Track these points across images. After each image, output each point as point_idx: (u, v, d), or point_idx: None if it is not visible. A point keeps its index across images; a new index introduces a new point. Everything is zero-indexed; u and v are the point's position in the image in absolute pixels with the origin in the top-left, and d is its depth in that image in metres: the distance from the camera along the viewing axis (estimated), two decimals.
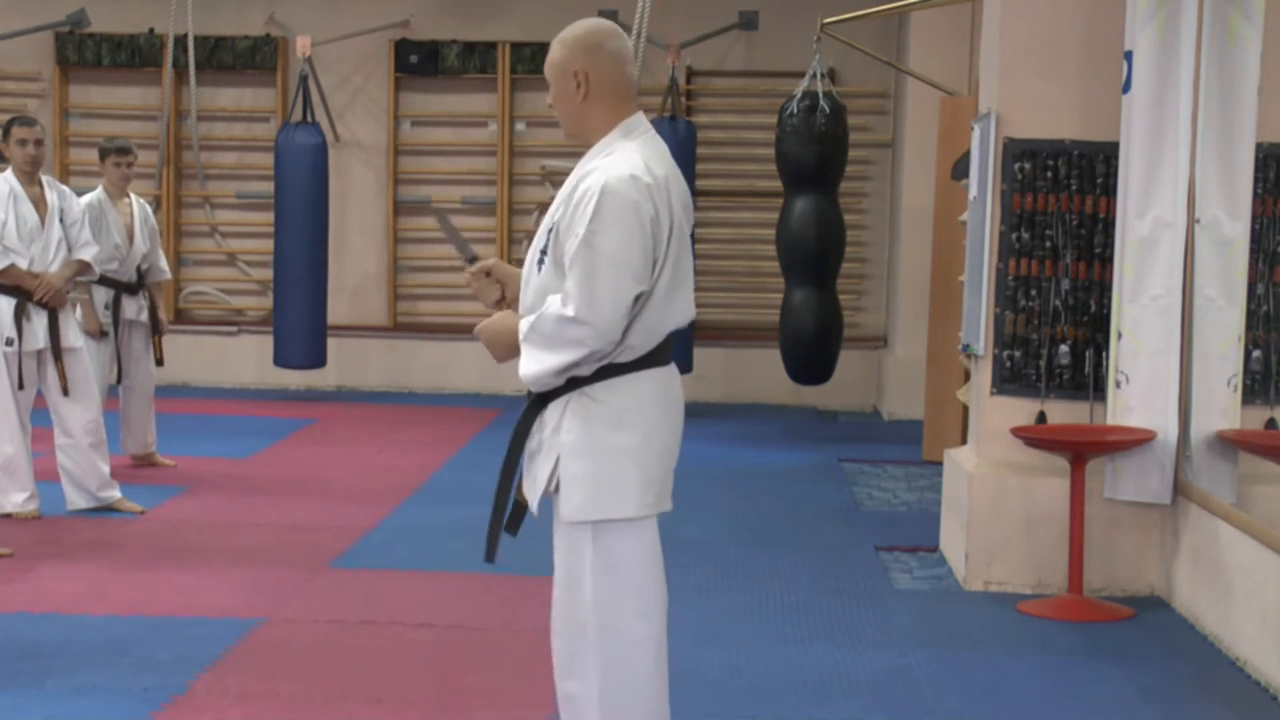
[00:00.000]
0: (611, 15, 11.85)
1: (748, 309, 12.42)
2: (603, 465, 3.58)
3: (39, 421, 7.50)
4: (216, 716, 4.66)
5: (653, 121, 3.78)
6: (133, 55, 12.58)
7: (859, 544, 7.28)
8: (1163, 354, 6.11)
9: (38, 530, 7.12)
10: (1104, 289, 6.40)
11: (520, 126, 12.60)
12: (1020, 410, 6.51)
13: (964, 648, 5.62)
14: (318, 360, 11.86)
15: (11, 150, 7.34)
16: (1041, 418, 6.48)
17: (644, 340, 3.58)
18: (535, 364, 3.55)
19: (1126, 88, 6.17)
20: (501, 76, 12.46)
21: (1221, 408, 6.11)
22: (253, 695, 4.85)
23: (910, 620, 5.98)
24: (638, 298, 3.51)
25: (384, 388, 12.60)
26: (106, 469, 7.53)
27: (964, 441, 7.79)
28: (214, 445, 9.64)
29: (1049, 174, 6.46)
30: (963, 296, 7.10)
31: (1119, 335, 6.21)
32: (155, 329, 8.70)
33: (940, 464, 7.51)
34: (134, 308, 8.60)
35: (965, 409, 8.02)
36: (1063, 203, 6.46)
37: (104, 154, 8.60)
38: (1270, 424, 6.22)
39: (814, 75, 9.90)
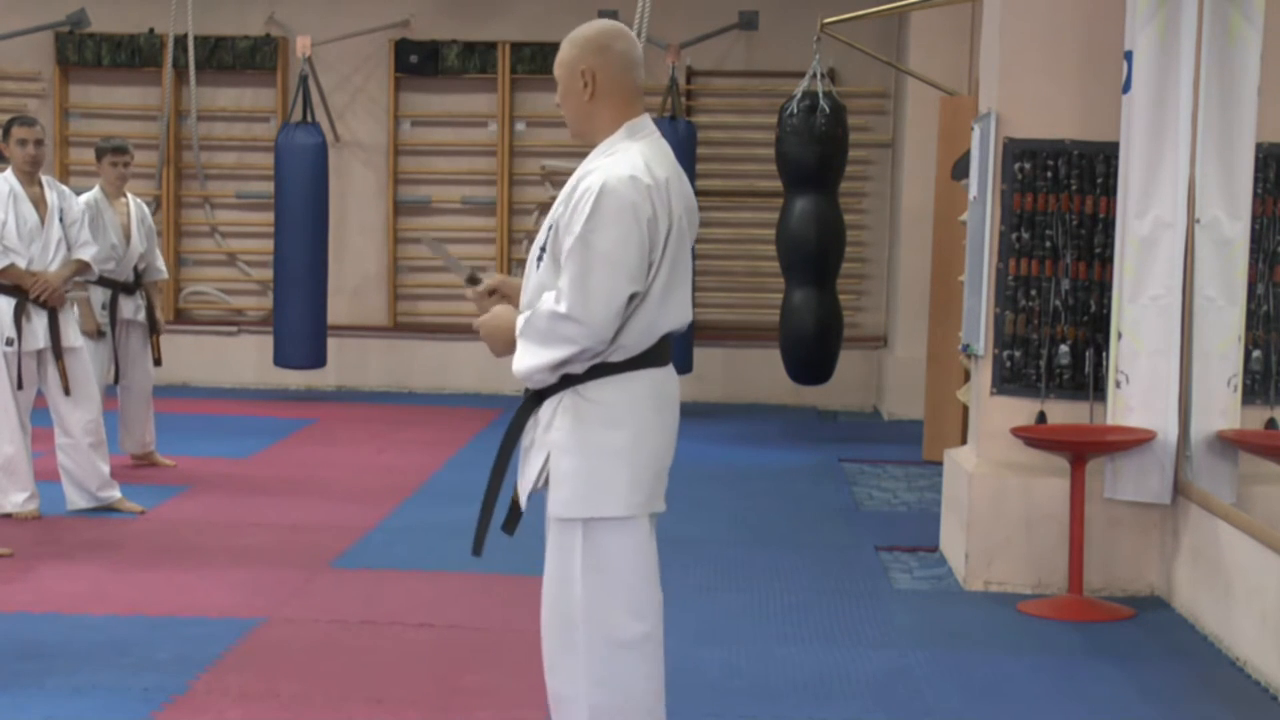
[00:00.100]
0: (611, 15, 11.81)
1: (748, 309, 12.42)
2: (592, 463, 3.59)
3: (39, 421, 7.50)
4: (216, 716, 4.66)
5: (654, 121, 3.79)
6: (133, 55, 12.58)
7: (859, 544, 7.28)
8: (1163, 354, 6.11)
9: (38, 530, 7.12)
10: (1104, 289, 6.40)
11: (520, 126, 12.60)
12: (1020, 410, 6.51)
13: (964, 648, 5.62)
14: (318, 360, 11.86)
15: (11, 150, 7.34)
16: (1041, 418, 6.48)
17: (638, 341, 3.59)
18: (528, 359, 3.57)
19: (1126, 88, 6.17)
20: (501, 76, 12.46)
21: (1221, 408, 6.11)
22: (253, 695, 4.85)
23: (910, 620, 5.98)
24: (632, 298, 3.53)
25: (384, 388, 12.60)
26: (106, 469, 7.53)
27: (964, 441, 7.79)
28: (214, 445, 9.64)
29: (1049, 174, 6.47)
30: (963, 296, 7.10)
31: (1119, 335, 6.21)
32: (153, 328, 8.70)
33: (940, 464, 7.51)
34: (131, 307, 8.60)
35: (965, 409, 8.02)
36: (1063, 203, 6.46)
37: (100, 154, 8.60)
38: (1270, 424, 6.22)
39: (814, 75, 9.90)
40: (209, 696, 4.82)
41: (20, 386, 7.24)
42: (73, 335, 7.43)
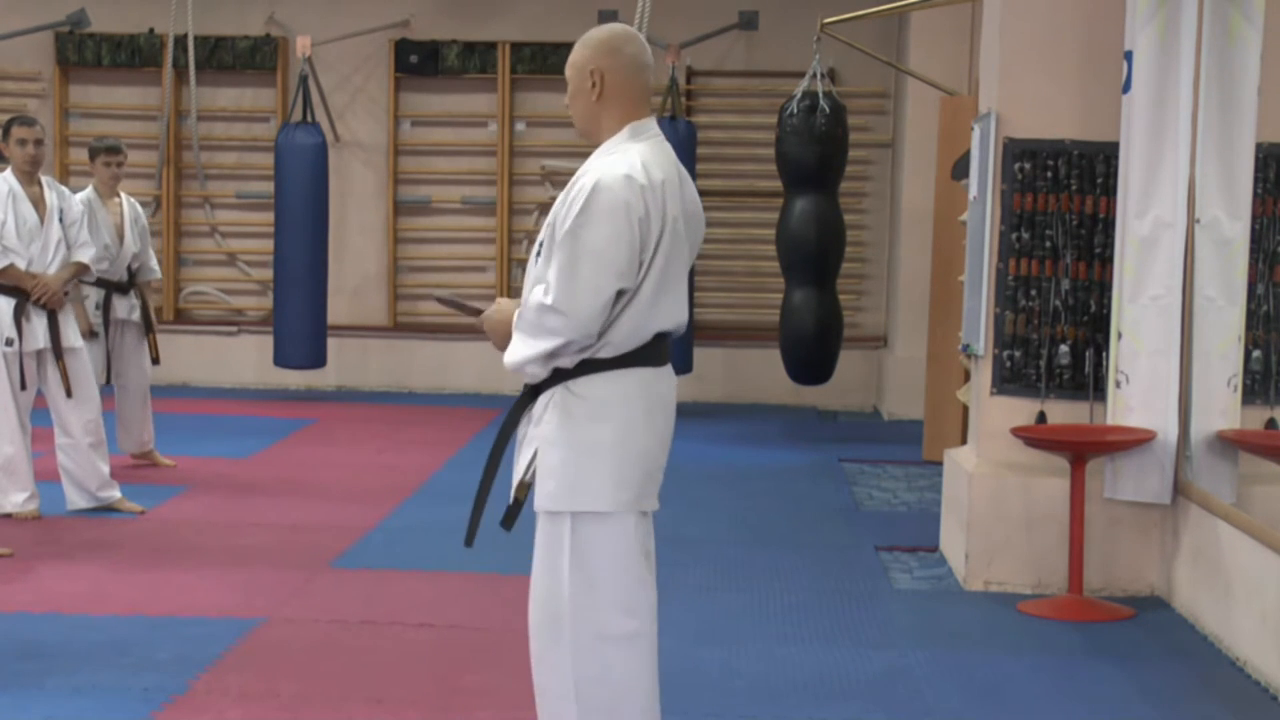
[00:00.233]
0: (611, 15, 11.86)
1: (748, 309, 12.42)
2: (576, 457, 3.64)
3: (39, 421, 7.50)
4: (216, 716, 4.66)
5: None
6: (133, 55, 12.58)
7: (859, 544, 7.28)
8: (1163, 354, 6.11)
9: (38, 530, 7.12)
10: (1104, 289, 6.40)
11: (520, 126, 12.60)
12: (1020, 410, 6.51)
13: (964, 648, 5.62)
14: (318, 360, 11.86)
15: (11, 150, 7.34)
16: (1041, 418, 6.48)
17: (626, 338, 3.63)
18: (517, 350, 3.64)
19: (1126, 88, 6.17)
20: (501, 76, 12.46)
21: (1221, 408, 6.11)
22: (253, 695, 4.85)
23: (910, 620, 5.98)
24: (621, 296, 3.58)
25: (384, 388, 12.60)
26: (106, 469, 7.54)
27: (964, 441, 7.78)
28: (214, 445, 9.64)
29: (1049, 174, 6.46)
30: (963, 296, 7.10)
31: (1119, 335, 6.21)
32: (148, 328, 8.70)
33: (940, 464, 7.51)
34: (125, 307, 8.60)
35: (965, 409, 8.02)
36: (1063, 203, 6.46)
37: (94, 154, 8.60)
38: (1270, 424, 6.22)
39: (814, 75, 9.90)
40: (209, 696, 4.82)
41: (23, 387, 7.24)
42: (72, 335, 7.43)
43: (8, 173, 7.33)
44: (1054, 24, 6.45)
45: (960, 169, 8.16)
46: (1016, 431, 6.29)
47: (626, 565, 3.68)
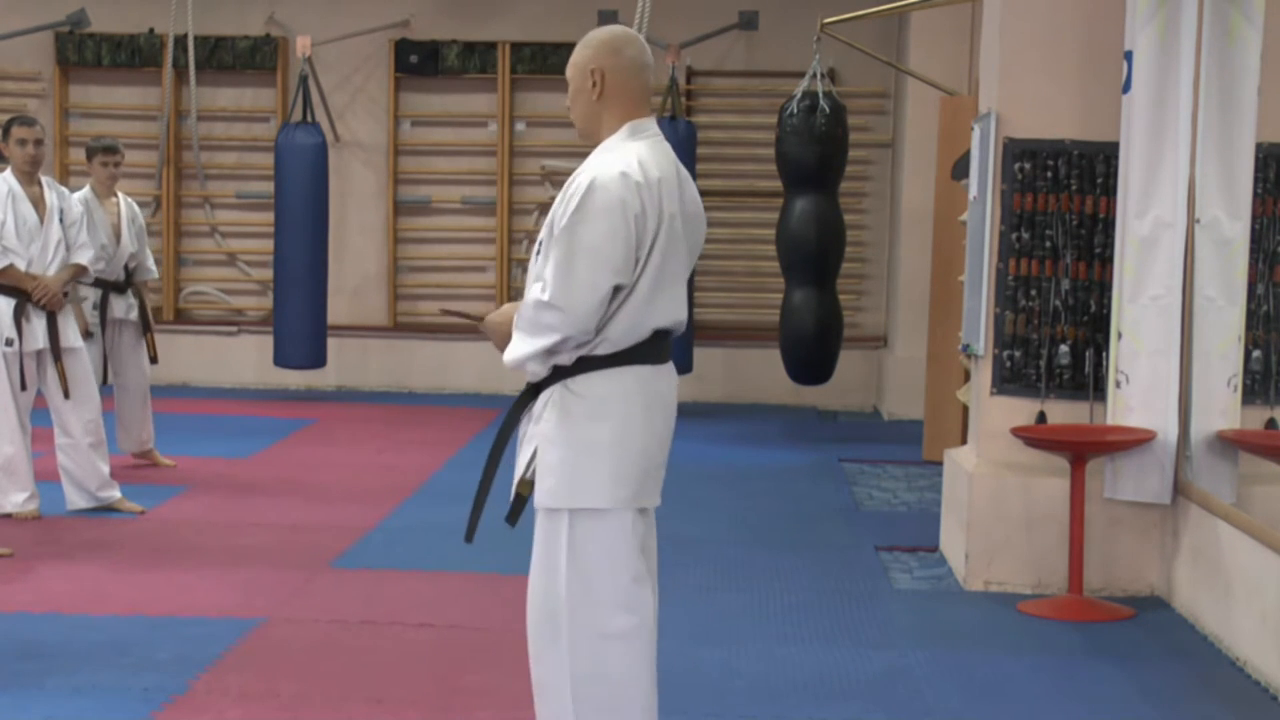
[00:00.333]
0: (611, 15, 11.86)
1: (748, 309, 12.42)
2: (575, 455, 3.67)
3: (39, 421, 7.50)
4: (216, 716, 4.66)
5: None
6: (133, 55, 12.58)
7: (859, 544, 7.28)
8: (1163, 354, 6.11)
9: (38, 530, 7.12)
10: (1104, 289, 6.40)
11: (520, 126, 12.60)
12: (1020, 410, 6.51)
13: (964, 648, 5.62)
14: (318, 360, 11.86)
15: (11, 150, 7.34)
16: (1041, 418, 6.48)
17: (623, 335, 3.66)
18: (516, 348, 3.67)
19: (1126, 88, 6.17)
20: (501, 76, 12.46)
21: (1221, 408, 6.11)
22: (253, 695, 4.85)
23: (910, 620, 5.98)
24: (618, 291, 3.60)
25: (384, 388, 12.60)
26: (106, 469, 7.54)
27: (964, 441, 7.78)
28: (214, 445, 9.64)
29: (1049, 174, 6.46)
30: (963, 296, 7.10)
31: (1119, 335, 6.21)
32: (146, 327, 8.70)
33: (940, 464, 7.51)
34: (122, 306, 8.60)
35: (965, 409, 8.02)
36: (1063, 203, 6.46)
37: (91, 153, 8.60)
38: (1270, 424, 6.22)
39: (814, 75, 9.90)
40: (209, 696, 4.82)
41: (24, 387, 7.24)
42: (72, 336, 7.43)
43: (7, 173, 7.33)
44: (1054, 24, 6.45)
45: (960, 169, 8.16)
46: (1016, 431, 6.29)
47: (623, 563, 3.70)
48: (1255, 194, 6.08)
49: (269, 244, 11.98)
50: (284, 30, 12.57)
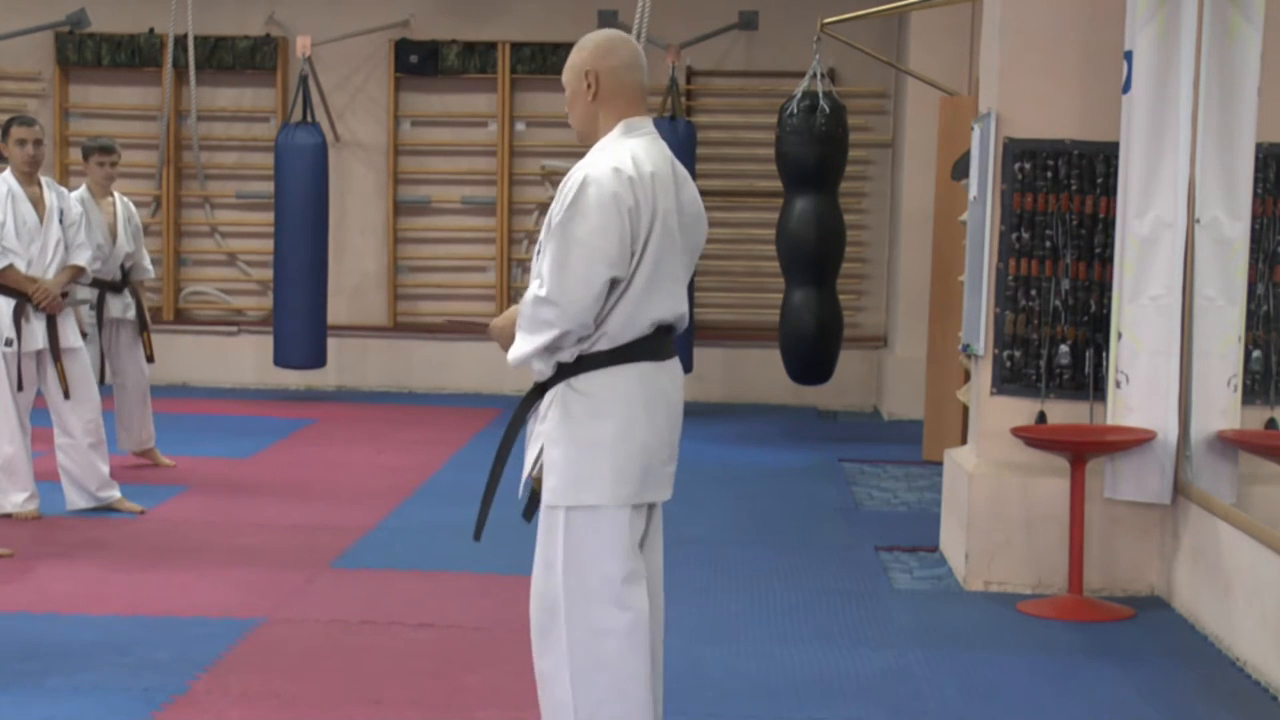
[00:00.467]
0: (611, 15, 11.87)
1: (748, 309, 12.42)
2: (577, 453, 3.74)
3: (39, 421, 7.50)
4: (216, 716, 4.66)
5: (653, 121, 3.90)
6: (133, 55, 12.58)
7: (859, 544, 7.28)
8: (1163, 354, 6.11)
9: (38, 530, 7.12)
10: (1104, 289, 6.40)
11: (520, 126, 12.60)
12: (1020, 410, 6.51)
13: (964, 648, 5.62)
14: (318, 360, 11.86)
15: (11, 150, 7.34)
16: (1041, 418, 6.48)
17: (622, 329, 3.71)
18: (518, 346, 3.74)
19: (1126, 88, 6.17)
20: (501, 76, 12.46)
21: (1221, 408, 6.11)
22: (253, 695, 4.85)
23: (910, 620, 5.98)
24: (615, 285, 3.66)
25: (384, 388, 12.60)
26: (106, 469, 7.53)
27: (964, 441, 7.78)
28: (214, 445, 9.64)
29: (1049, 174, 6.46)
30: (963, 296, 7.10)
31: (1119, 335, 6.21)
32: (143, 326, 8.70)
33: (940, 464, 7.51)
34: (119, 306, 8.60)
35: (965, 409, 8.02)
36: (1063, 203, 6.46)
37: (87, 153, 8.59)
38: (1270, 424, 6.22)
39: (814, 75, 9.90)
40: (209, 696, 4.82)
41: (20, 388, 7.24)
42: (71, 336, 7.43)
43: (7, 173, 7.33)
44: (1054, 24, 6.45)
45: (960, 169, 8.16)
46: (1016, 431, 6.29)
47: (618, 560, 3.75)
48: (1255, 194, 6.08)
49: (269, 244, 11.98)
50: (284, 30, 12.57)
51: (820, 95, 9.87)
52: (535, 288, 3.67)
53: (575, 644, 3.75)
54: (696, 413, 11.17)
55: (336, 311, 12.26)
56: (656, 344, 3.77)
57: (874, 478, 9.10)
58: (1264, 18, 5.93)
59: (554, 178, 12.31)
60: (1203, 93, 5.97)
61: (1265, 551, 5.25)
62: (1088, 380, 6.47)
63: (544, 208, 11.86)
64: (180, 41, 12.21)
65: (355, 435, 10.35)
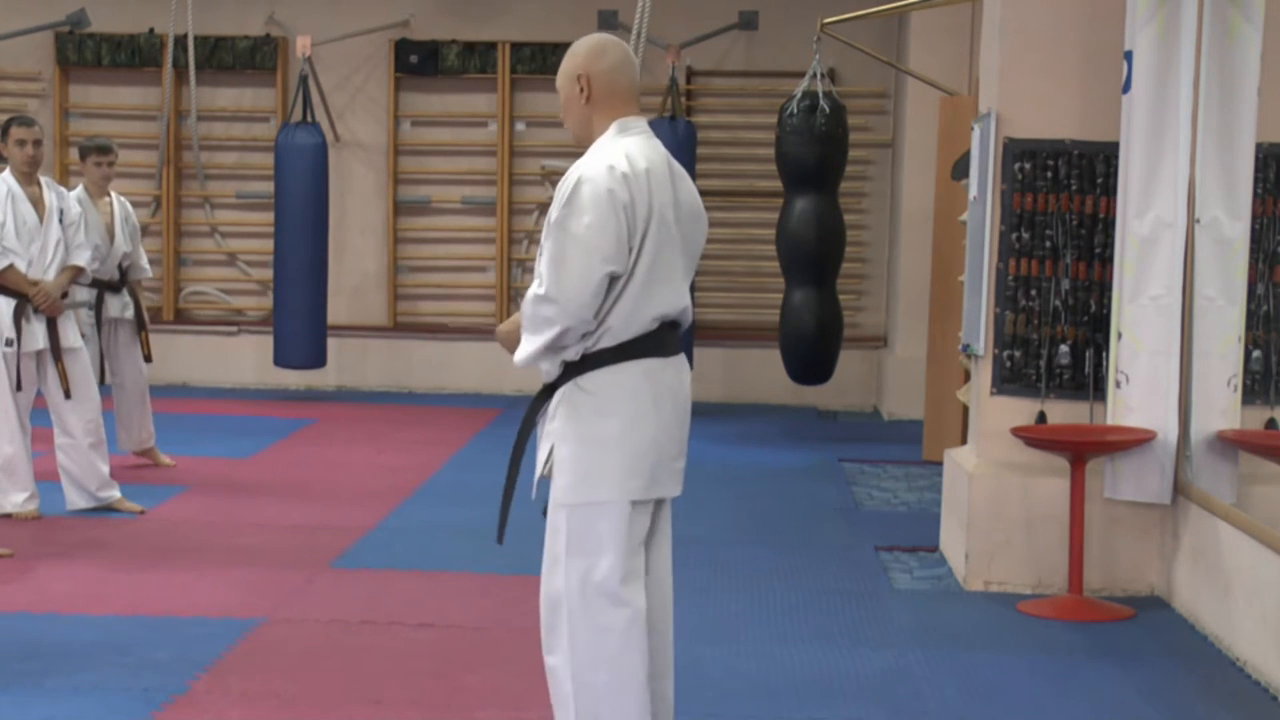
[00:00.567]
0: (611, 15, 11.87)
1: (748, 309, 12.42)
2: (585, 451, 3.78)
3: (39, 421, 7.50)
4: (216, 716, 4.66)
5: (653, 121, 3.97)
6: (133, 55, 12.58)
7: (859, 544, 7.28)
8: (1163, 354, 6.11)
9: (38, 530, 7.12)
10: (1104, 289, 6.40)
11: (520, 126, 12.60)
12: (1020, 410, 6.51)
13: (964, 648, 5.62)
14: (318, 360, 11.86)
15: (10, 151, 7.34)
16: (1041, 418, 6.48)
17: (625, 324, 3.75)
18: (524, 347, 3.79)
19: (1126, 88, 6.17)
20: (501, 76, 12.46)
21: (1221, 408, 6.11)
22: (253, 695, 4.85)
23: (910, 620, 5.98)
24: (614, 281, 3.70)
25: (384, 388, 12.60)
26: (106, 469, 7.53)
27: (964, 441, 7.78)
28: (214, 445, 9.64)
29: (1049, 174, 6.46)
30: (963, 296, 7.10)
31: (1119, 335, 6.21)
32: (141, 325, 8.70)
33: (940, 464, 7.51)
34: (118, 306, 8.60)
35: (965, 409, 8.02)
36: (1063, 203, 6.46)
37: (84, 153, 8.59)
38: (1270, 424, 6.22)
39: (814, 75, 9.89)
40: (209, 696, 4.82)
41: (20, 388, 7.24)
42: (71, 336, 7.43)
43: (7, 173, 7.33)
44: (1054, 24, 6.45)
45: (960, 169, 8.16)
46: (1016, 431, 6.29)
47: (620, 553, 3.78)
48: (1255, 194, 6.07)
49: (269, 244, 11.98)
50: (284, 30, 12.57)
51: (820, 95, 9.87)
52: (535, 287, 3.72)
53: (577, 640, 3.78)
54: (697, 412, 11.06)
55: (336, 311, 12.26)
56: (661, 340, 3.81)
57: (874, 478, 9.10)
58: (1264, 18, 5.93)
59: (554, 178, 12.30)
60: (1203, 93, 5.97)
61: (1265, 551, 5.25)
62: (1088, 380, 6.47)
63: (544, 208, 11.86)
64: (180, 41, 12.21)
65: (355, 435, 10.35)
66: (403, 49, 12.49)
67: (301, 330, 11.69)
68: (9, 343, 7.18)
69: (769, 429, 11.04)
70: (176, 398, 11.50)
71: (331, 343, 12.05)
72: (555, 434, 3.81)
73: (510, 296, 12.49)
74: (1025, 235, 6.47)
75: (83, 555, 6.67)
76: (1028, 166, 6.46)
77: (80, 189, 8.44)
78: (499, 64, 12.45)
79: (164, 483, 8.32)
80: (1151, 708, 4.99)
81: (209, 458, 9.16)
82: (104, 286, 8.53)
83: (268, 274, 12.30)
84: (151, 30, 12.51)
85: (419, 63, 12.49)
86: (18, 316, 7.19)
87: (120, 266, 8.60)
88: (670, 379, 3.86)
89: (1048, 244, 6.46)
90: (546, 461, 3.83)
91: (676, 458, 3.90)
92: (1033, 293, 6.49)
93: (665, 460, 3.85)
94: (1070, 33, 6.44)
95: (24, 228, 7.26)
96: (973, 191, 6.82)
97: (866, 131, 12.11)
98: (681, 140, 10.81)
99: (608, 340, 3.75)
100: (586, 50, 3.86)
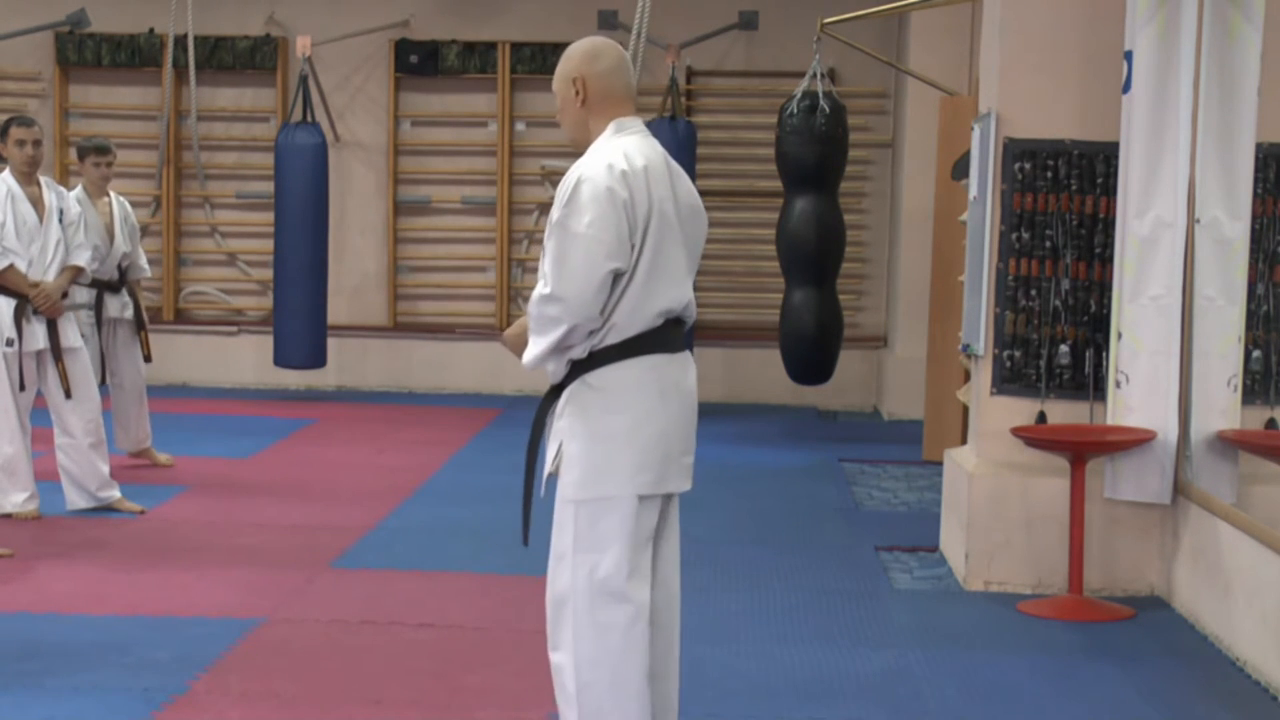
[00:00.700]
0: (611, 15, 11.87)
1: (748, 309, 12.42)
2: (594, 447, 3.81)
3: (39, 421, 7.50)
4: (216, 716, 4.66)
5: (653, 121, 3.97)
6: (133, 55, 12.58)
7: (859, 544, 7.28)
8: (1163, 354, 6.11)
9: (38, 530, 7.12)
10: (1104, 289, 6.40)
11: (520, 126, 12.60)
12: (1020, 410, 6.51)
13: (964, 648, 5.62)
14: (317, 360, 11.86)
15: (10, 151, 7.34)
16: (1041, 418, 6.48)
17: (629, 320, 3.79)
18: (531, 348, 3.82)
19: (1126, 88, 6.17)
20: (501, 76, 12.46)
21: (1221, 408, 6.11)
22: (253, 695, 4.85)
23: (910, 620, 5.98)
24: (618, 277, 3.73)
25: (384, 388, 12.60)
26: (106, 469, 7.53)
27: (964, 441, 7.78)
28: (214, 445, 9.64)
29: (1049, 174, 6.46)
30: (963, 296, 7.10)
31: (1119, 335, 6.21)
32: (140, 325, 8.70)
33: (940, 464, 7.51)
34: (117, 305, 8.60)
35: (965, 409, 8.02)
36: (1063, 203, 6.46)
37: (83, 153, 8.60)
38: (1270, 424, 6.22)
39: (814, 75, 9.89)
40: (209, 696, 4.83)
41: (22, 388, 7.24)
42: (72, 336, 7.43)
43: (6, 173, 7.33)
44: (1054, 24, 6.45)
45: (960, 169, 8.16)
46: (1016, 431, 6.29)
47: (625, 553, 3.80)
48: (1255, 194, 6.08)
49: (269, 244, 11.98)
50: (284, 30, 12.57)
51: (820, 95, 9.86)
52: (540, 287, 3.74)
53: (580, 637, 3.80)
54: (697, 412, 11.15)
55: (336, 311, 12.26)
56: (666, 336, 3.86)
57: (874, 478, 9.10)
58: (1264, 18, 5.93)
59: (554, 178, 12.31)
60: (1203, 93, 5.97)
61: (1265, 551, 5.25)
62: (1088, 380, 6.47)
63: (544, 207, 11.88)
64: (180, 41, 12.20)
65: (355, 435, 10.35)
66: (403, 49, 12.49)
67: (301, 330, 11.69)
68: (10, 343, 7.18)
69: (769, 429, 11.04)
70: (176, 398, 11.50)
71: (331, 343, 12.05)
72: (564, 431, 3.84)
73: (510, 296, 12.49)
74: (1025, 235, 6.47)
75: (83, 555, 6.67)
76: (1028, 166, 6.46)
77: (79, 189, 8.44)
78: (499, 64, 12.45)
79: (164, 483, 8.32)
80: (1151, 708, 4.99)
81: (209, 458, 9.16)
82: (103, 286, 8.53)
83: (268, 274, 12.30)
84: (151, 30, 12.51)
85: (419, 63, 12.50)
86: (18, 316, 7.20)
87: (119, 266, 8.60)
88: (676, 374, 3.92)
89: (1048, 244, 6.46)
90: (555, 458, 3.85)
91: (685, 453, 3.96)
92: (1033, 293, 6.49)
93: (674, 455, 3.90)
94: (1070, 33, 6.44)
95: (24, 228, 7.26)
96: (973, 191, 6.82)
97: (866, 131, 12.11)
98: (681, 140, 10.80)
99: (613, 337, 3.78)
100: (581, 53, 3.89)
